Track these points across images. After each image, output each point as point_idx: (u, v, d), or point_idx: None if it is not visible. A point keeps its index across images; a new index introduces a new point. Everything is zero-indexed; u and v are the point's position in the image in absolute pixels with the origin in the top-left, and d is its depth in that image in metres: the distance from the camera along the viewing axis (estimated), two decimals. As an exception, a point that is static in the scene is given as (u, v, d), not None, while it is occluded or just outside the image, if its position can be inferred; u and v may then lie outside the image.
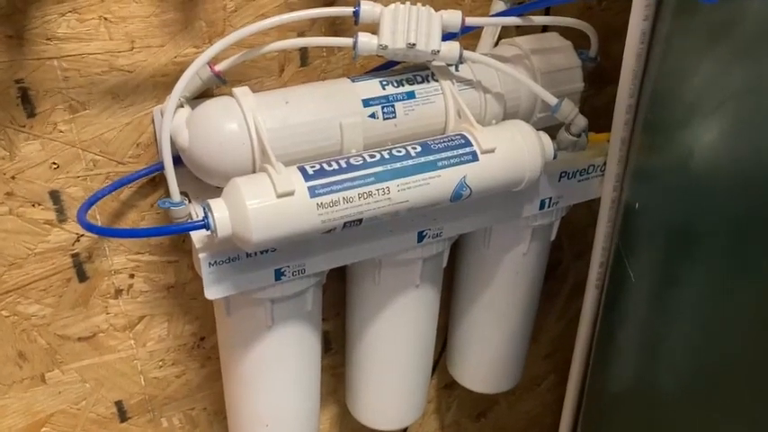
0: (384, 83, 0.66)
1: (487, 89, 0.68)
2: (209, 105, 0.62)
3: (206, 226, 0.58)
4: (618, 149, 0.70)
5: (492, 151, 0.63)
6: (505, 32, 0.76)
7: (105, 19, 0.62)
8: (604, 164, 0.74)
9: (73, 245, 0.70)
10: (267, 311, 0.69)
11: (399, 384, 0.86)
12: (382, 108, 0.65)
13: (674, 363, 0.63)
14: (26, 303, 0.71)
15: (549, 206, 0.76)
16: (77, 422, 0.80)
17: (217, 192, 0.61)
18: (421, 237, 0.71)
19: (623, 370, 0.72)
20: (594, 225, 0.77)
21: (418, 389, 0.89)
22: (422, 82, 0.66)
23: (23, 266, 0.69)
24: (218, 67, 0.63)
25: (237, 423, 0.79)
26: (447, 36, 0.65)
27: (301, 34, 0.69)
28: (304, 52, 0.71)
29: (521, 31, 0.76)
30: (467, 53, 0.66)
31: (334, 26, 0.71)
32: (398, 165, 0.61)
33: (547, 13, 0.74)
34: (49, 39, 0.61)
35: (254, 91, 0.62)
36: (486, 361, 0.93)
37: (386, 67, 0.71)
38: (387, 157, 0.61)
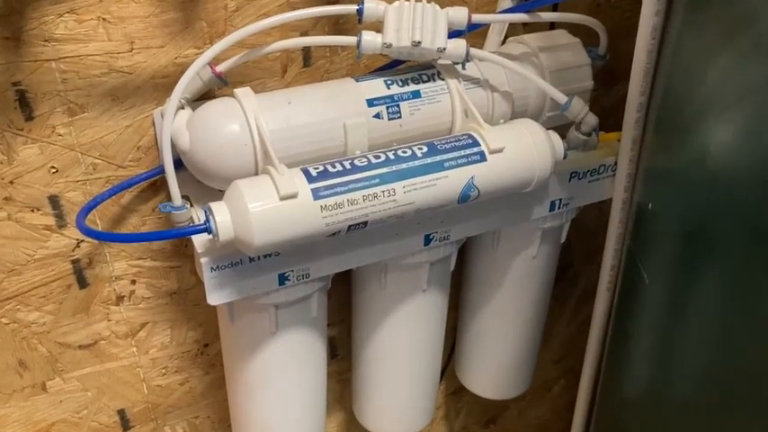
0: (389, 82, 0.65)
1: (495, 88, 0.67)
2: (211, 106, 0.61)
3: (208, 230, 0.58)
4: (629, 149, 0.69)
5: (500, 151, 0.62)
6: (512, 31, 0.74)
7: (104, 19, 0.61)
8: (615, 164, 0.72)
9: (73, 251, 0.69)
10: (271, 317, 0.68)
11: (407, 390, 0.86)
12: (387, 108, 0.64)
13: (689, 367, 0.61)
14: (26, 311, 0.70)
15: (559, 207, 0.75)
16: (79, 431, 0.79)
17: (219, 195, 0.60)
18: (428, 240, 0.70)
19: (637, 375, 0.70)
20: (605, 226, 0.76)
21: (426, 395, 0.88)
22: (427, 81, 0.65)
23: (23, 273, 0.68)
24: (220, 68, 0.62)
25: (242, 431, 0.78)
26: (453, 34, 0.64)
27: (304, 34, 0.68)
28: (307, 52, 0.70)
29: (528, 28, 0.75)
30: (473, 51, 0.65)
31: (337, 26, 0.70)
32: (404, 166, 0.60)
33: (554, 9, 0.73)
34: (46, 40, 0.60)
35: (256, 92, 0.62)
36: (495, 366, 0.92)
37: (390, 66, 0.70)
38: (392, 157, 0.60)
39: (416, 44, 0.62)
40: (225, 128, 0.59)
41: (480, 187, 0.62)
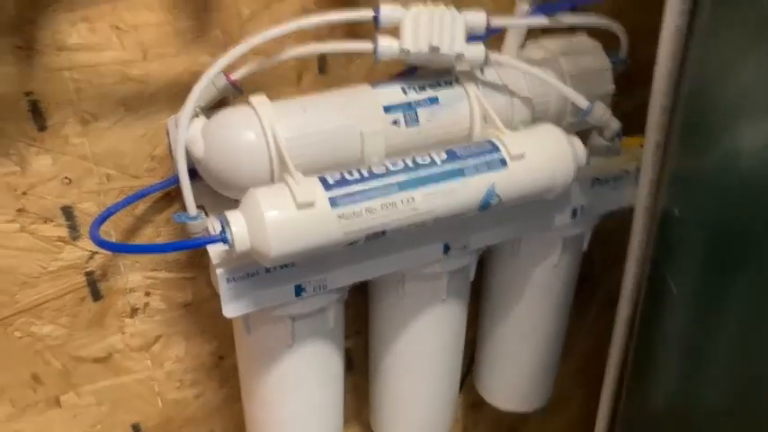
0: (406, 88, 0.64)
1: (514, 93, 0.66)
2: (226, 114, 0.60)
3: (223, 240, 0.57)
4: (652, 154, 0.67)
5: (522, 157, 0.61)
6: (530, 36, 0.73)
7: (117, 28, 0.60)
8: (638, 169, 0.70)
9: (86, 262, 0.69)
10: (288, 329, 0.67)
11: (425, 403, 0.84)
12: (404, 115, 0.63)
13: (720, 380, 0.59)
14: (40, 324, 0.70)
15: (581, 215, 0.73)
16: (93, 446, 0.79)
17: (234, 205, 0.59)
18: (447, 249, 0.69)
19: (663, 387, 0.69)
20: (627, 234, 0.74)
21: (445, 407, 0.86)
22: (445, 87, 0.64)
23: (36, 286, 0.68)
24: (234, 76, 0.61)
25: (258, 446, 0.77)
26: (471, 39, 0.63)
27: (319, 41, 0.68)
28: (322, 60, 0.69)
29: (546, 32, 0.73)
30: (492, 55, 0.64)
31: (352, 33, 0.69)
32: (423, 173, 0.59)
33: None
34: (59, 49, 0.59)
35: (270, 100, 0.61)
36: (515, 378, 0.90)
37: (407, 72, 0.69)
38: (411, 165, 0.59)
39: (434, 49, 0.61)
40: (240, 136, 0.59)
41: (501, 194, 0.61)
